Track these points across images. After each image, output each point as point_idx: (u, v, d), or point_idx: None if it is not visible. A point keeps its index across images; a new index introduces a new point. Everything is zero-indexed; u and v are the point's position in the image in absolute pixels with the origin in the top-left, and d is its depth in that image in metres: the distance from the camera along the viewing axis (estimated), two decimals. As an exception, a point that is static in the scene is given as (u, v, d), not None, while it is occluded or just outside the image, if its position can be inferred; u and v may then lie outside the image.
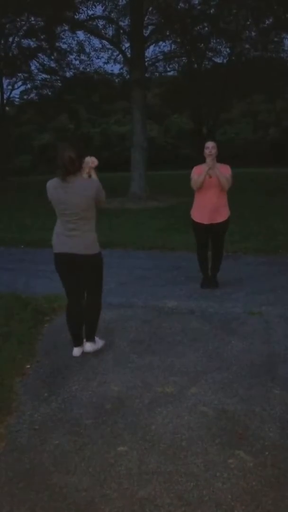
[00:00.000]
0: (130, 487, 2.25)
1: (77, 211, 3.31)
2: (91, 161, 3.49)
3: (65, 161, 3.19)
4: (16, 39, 21.07)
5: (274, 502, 2.13)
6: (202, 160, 5.06)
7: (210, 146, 4.89)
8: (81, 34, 24.63)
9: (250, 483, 2.25)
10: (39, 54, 21.71)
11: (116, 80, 23.13)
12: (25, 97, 25.75)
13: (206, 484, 2.25)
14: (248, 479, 2.28)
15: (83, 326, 3.65)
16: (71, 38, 20.21)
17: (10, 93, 25.25)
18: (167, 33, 17.96)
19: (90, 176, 3.52)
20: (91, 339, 3.67)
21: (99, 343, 3.74)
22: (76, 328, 3.62)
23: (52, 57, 21.90)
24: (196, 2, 16.57)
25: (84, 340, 3.68)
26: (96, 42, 22.71)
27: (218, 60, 21.47)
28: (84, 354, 3.65)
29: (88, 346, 3.66)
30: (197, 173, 4.99)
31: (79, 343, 3.66)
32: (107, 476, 2.33)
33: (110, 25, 17.55)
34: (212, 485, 2.24)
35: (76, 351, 3.66)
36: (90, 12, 16.83)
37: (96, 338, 3.71)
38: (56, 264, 3.50)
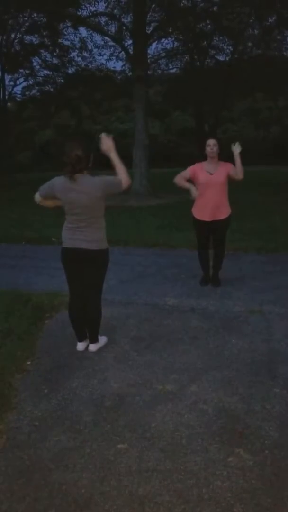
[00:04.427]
0: (129, 485, 2.25)
1: (86, 211, 3.30)
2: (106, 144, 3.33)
3: (72, 159, 3.18)
4: (19, 35, 21.03)
5: (274, 501, 2.13)
6: (203, 157, 5.05)
7: (211, 144, 4.87)
8: (83, 31, 24.62)
9: (250, 482, 2.25)
10: (41, 51, 21.66)
11: (118, 77, 23.04)
12: (27, 93, 25.62)
13: (206, 482, 2.25)
14: (248, 478, 2.28)
15: (85, 322, 3.65)
16: (73, 34, 20.13)
17: (12, 89, 25.19)
18: (170, 30, 17.90)
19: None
20: (94, 340, 3.68)
21: (102, 340, 3.75)
22: (78, 324, 3.63)
23: (54, 54, 21.84)
24: (199, -1, 16.53)
25: (88, 341, 3.69)
26: (98, 38, 22.58)
27: (220, 58, 21.44)
28: (85, 350, 3.67)
29: (92, 347, 3.67)
30: (191, 171, 4.98)
31: (82, 338, 3.68)
32: (107, 473, 2.33)
33: (113, 21, 17.46)
34: (211, 483, 2.24)
35: (80, 346, 3.68)
36: (92, 9, 16.76)
37: (99, 336, 3.72)
38: (63, 258, 3.49)
